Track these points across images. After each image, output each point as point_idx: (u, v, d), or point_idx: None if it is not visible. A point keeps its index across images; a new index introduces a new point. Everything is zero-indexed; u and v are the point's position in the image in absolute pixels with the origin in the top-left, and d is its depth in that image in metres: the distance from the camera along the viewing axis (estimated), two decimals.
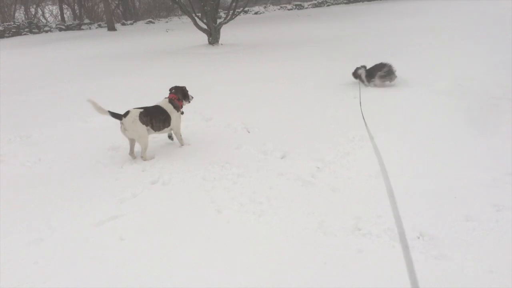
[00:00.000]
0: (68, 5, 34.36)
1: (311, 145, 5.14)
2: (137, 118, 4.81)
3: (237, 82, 9.18)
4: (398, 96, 7.08)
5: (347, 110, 6.48)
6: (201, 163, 4.82)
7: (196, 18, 15.37)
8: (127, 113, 4.84)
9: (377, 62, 7.97)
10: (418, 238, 3.15)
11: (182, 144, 5.42)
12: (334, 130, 5.64)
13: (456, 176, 4.07)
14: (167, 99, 5.22)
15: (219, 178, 4.40)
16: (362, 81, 8.06)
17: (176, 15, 33.23)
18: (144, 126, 4.85)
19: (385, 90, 7.56)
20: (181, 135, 5.40)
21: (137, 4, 36.94)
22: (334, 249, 3.06)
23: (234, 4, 15.78)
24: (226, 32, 16.70)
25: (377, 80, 7.82)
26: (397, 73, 7.79)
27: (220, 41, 15.53)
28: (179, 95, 5.29)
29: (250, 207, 3.76)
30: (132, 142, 5.07)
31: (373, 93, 7.38)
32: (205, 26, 15.47)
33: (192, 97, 5.50)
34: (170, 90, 5.33)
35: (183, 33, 21.53)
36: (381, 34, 15.32)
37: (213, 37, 15.31)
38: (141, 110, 4.89)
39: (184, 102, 5.39)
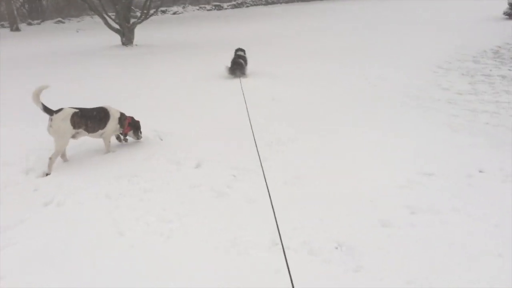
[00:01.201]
0: None
1: (228, 151, 4.87)
2: (68, 117, 4.51)
3: (149, 86, 8.68)
4: (310, 97, 7.07)
5: (263, 112, 6.29)
6: (105, 177, 4.33)
7: (107, 17, 14.48)
8: (59, 110, 4.52)
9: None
10: (336, 248, 2.98)
11: (108, 151, 5.03)
12: (251, 134, 5.40)
13: (372, 178, 4.00)
14: (118, 110, 5.06)
15: (125, 195, 3.95)
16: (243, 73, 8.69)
17: (88, 14, 31.37)
18: (70, 128, 4.53)
19: (297, 89, 7.59)
20: (109, 143, 5.07)
21: (44, 2, 34.40)
22: (248, 271, 2.79)
23: (148, 3, 15.10)
24: (142, 33, 15.94)
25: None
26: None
27: (134, 42, 14.78)
28: (132, 125, 5.17)
29: (158, 227, 3.37)
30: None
31: (289, 93, 7.31)
32: (117, 26, 14.63)
33: (141, 137, 5.31)
34: (130, 116, 5.21)
35: (96, 33, 20.30)
36: (303, 34, 15.54)
37: (127, 37, 14.52)
38: (76, 110, 4.60)
39: (131, 132, 5.18)
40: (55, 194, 3.99)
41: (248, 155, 4.71)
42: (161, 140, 5.44)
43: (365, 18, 20.19)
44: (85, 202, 3.87)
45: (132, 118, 5.22)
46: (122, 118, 5.09)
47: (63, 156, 4.79)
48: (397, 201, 3.52)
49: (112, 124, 4.97)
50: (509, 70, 8.21)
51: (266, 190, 3.86)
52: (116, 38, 15.02)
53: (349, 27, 16.91)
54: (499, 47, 10.53)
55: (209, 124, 5.95)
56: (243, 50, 9.26)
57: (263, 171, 4.18)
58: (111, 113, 4.96)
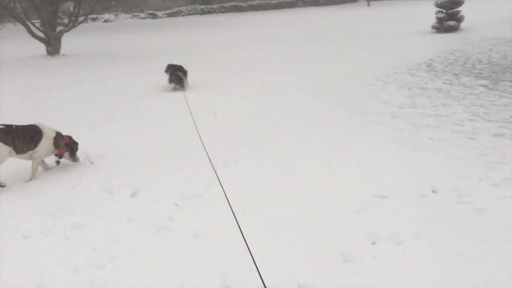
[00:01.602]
0: None
1: (168, 176, 4.41)
2: None
3: (77, 100, 7.97)
4: (254, 111, 6.81)
5: (207, 129, 5.91)
6: (26, 212, 3.73)
7: (31, 25, 13.35)
8: None
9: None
10: None
11: (33, 177, 4.43)
12: (194, 154, 5.00)
13: (327, 203, 3.74)
14: (54, 129, 4.55)
15: (47, 234, 3.39)
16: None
17: (10, 21, 29.18)
18: (2, 144, 4.07)
19: (240, 102, 7.30)
20: (37, 167, 4.50)
21: None
22: None
23: (76, 10, 14.15)
24: (70, 42, 14.89)
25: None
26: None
27: (61, 52, 13.75)
28: (70, 146, 4.66)
29: (87, 274, 2.87)
30: None
31: (231, 107, 7.00)
32: (42, 35, 13.55)
33: (78, 160, 4.80)
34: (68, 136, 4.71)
35: (19, 41, 18.72)
36: (234, 46, 15.32)
37: (53, 47, 13.47)
38: (1, 126, 4.16)
39: (66, 154, 4.66)
40: None
41: (191, 180, 4.30)
42: (92, 164, 4.87)
43: (302, 29, 20.45)
44: None
45: (69, 137, 4.69)
46: (58, 138, 4.54)
47: None
48: (356, 229, 3.29)
49: (46, 145, 4.42)
50: (444, 83, 8.45)
51: (214, 222, 3.48)
52: (41, 47, 13.91)
53: (288, 38, 16.98)
54: (432, 60, 10.91)
55: (146, 144, 5.44)
56: (179, 69, 8.73)
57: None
58: (44, 132, 4.42)
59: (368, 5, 39.58)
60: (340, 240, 3.15)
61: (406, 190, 3.90)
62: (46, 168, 4.68)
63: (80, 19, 14.30)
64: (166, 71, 8.69)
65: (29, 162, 4.47)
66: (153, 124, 6.29)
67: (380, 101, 7.34)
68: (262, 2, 40.44)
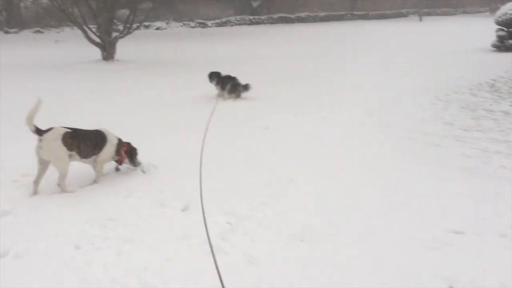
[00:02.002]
0: None
1: (220, 192, 4.22)
2: (59, 137, 4.03)
3: (130, 106, 8.01)
4: (306, 126, 6.54)
5: (258, 144, 5.72)
6: (76, 220, 3.63)
7: (88, 30, 13.76)
8: (49, 129, 4.05)
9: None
10: None
11: (98, 181, 4.45)
12: (246, 170, 4.80)
13: (395, 237, 3.41)
14: (116, 136, 4.57)
15: (99, 246, 3.26)
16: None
17: (68, 26, 30.45)
18: (65, 148, 4.03)
19: (289, 115, 7.06)
20: (102, 170, 4.51)
21: (23, 11, 33.31)
22: None
23: (131, 17, 14.46)
24: (124, 47, 15.24)
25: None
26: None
27: (116, 57, 14.07)
28: (129, 152, 4.65)
29: None
30: (43, 168, 4.15)
31: (283, 121, 6.77)
32: (98, 40, 13.92)
33: (139, 164, 4.75)
34: (127, 142, 4.70)
35: (75, 45, 19.41)
36: (285, 58, 15.16)
37: (107, 52, 13.81)
38: (68, 130, 4.12)
39: (127, 160, 4.65)
40: (13, 243, 3.27)
41: (245, 197, 4.09)
42: (144, 173, 4.77)
43: (351, 43, 20.07)
44: (50, 254, 3.16)
45: (128, 144, 4.68)
46: (119, 144, 4.55)
47: (37, 182, 4.17)
48: (430, 270, 2.95)
49: (109, 150, 4.44)
50: (510, 105, 7.89)
51: (269, 246, 3.25)
52: (97, 52, 14.29)
53: (337, 52, 16.67)
54: (494, 80, 10.29)
55: (197, 154, 5.29)
56: (234, 79, 8.65)
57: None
58: (108, 137, 4.46)
59: (420, 20, 38.56)
60: (412, 282, 2.83)
61: (482, 226, 3.52)
62: (35, 192, 4.36)
63: (134, 26, 14.57)
64: (213, 79, 8.63)
65: (84, 167, 4.46)
66: (200, 133, 6.15)
67: (442, 121, 6.92)
68: (311, 14, 40.26)
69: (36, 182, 4.16)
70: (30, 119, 3.91)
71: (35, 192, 4.15)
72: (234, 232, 3.48)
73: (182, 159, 5.11)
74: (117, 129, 4.81)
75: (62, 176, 4.11)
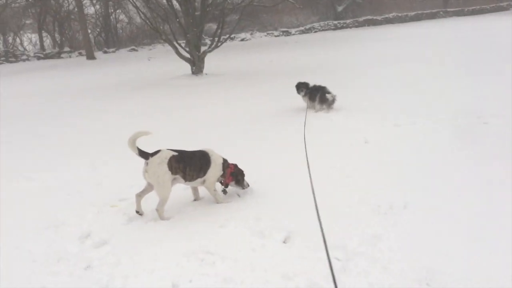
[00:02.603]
0: (48, 33, 33.06)
1: (324, 220, 3.75)
2: (166, 161, 3.92)
3: (221, 121, 7.87)
4: (414, 141, 5.83)
5: (358, 162, 5.18)
6: (172, 252, 3.41)
7: (178, 46, 14.14)
8: (156, 152, 3.96)
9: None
10: None
11: (218, 201, 4.32)
12: (349, 194, 4.30)
13: None
14: (221, 155, 4.37)
15: (197, 284, 2.99)
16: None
17: (159, 43, 32.11)
18: (169, 173, 3.90)
19: (392, 128, 6.41)
20: (215, 190, 4.33)
21: (119, 31, 35.84)
22: None
23: (219, 31, 14.62)
24: (211, 60, 15.49)
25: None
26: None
27: (204, 71, 14.29)
28: (234, 175, 4.38)
29: None
30: (147, 188, 4.09)
31: (384, 134, 6.14)
32: (188, 55, 14.24)
33: (247, 187, 4.48)
34: (234, 164, 4.45)
35: (166, 61, 20.30)
36: (374, 63, 14.30)
37: (197, 66, 14.07)
38: (175, 153, 4.00)
39: (233, 183, 4.42)
40: (109, 278, 3.13)
41: (352, 227, 3.61)
42: (239, 196, 4.49)
43: (448, 42, 18.51)
44: None
45: (235, 166, 4.43)
46: (225, 165, 4.33)
47: (138, 199, 4.10)
48: None
49: (214, 172, 4.24)
50: None
51: None
52: (186, 66, 14.65)
53: (431, 53, 15.42)
54: None
55: (293, 176, 4.90)
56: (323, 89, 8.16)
57: None
58: (212, 158, 4.24)
59: None
60: None
61: None
62: (197, 198, 4.43)
63: (222, 39, 14.71)
64: (301, 90, 8.22)
65: (179, 191, 4.31)
66: (297, 150, 5.75)
67: None
68: (399, 14, 38.36)
69: (140, 195, 4.09)
70: (131, 142, 3.81)
71: (138, 207, 4.08)
72: (346, 273, 3.02)
73: (279, 181, 4.76)
74: (217, 143, 4.56)
75: (162, 201, 3.98)
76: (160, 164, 3.87)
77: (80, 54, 28.89)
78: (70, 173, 5.45)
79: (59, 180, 5.21)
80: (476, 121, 6.56)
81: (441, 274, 2.92)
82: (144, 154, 3.89)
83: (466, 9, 40.12)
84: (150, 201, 4.16)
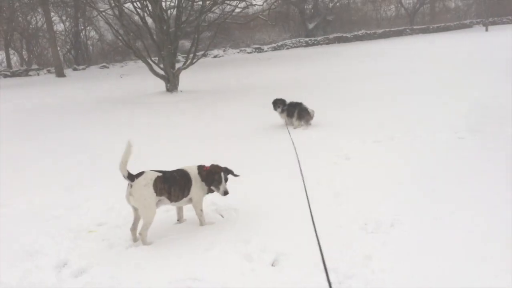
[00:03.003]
0: (15, 50, 32.21)
1: (311, 241, 3.66)
2: (151, 182, 3.75)
3: (199, 139, 7.74)
4: (393, 156, 5.86)
5: (341, 179, 5.15)
6: (157, 281, 3.24)
7: (152, 63, 13.98)
8: (140, 174, 3.78)
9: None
10: None
11: (202, 224, 4.14)
12: (335, 212, 4.25)
13: None
14: (195, 166, 4.11)
15: None
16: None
17: (132, 59, 31.78)
18: (154, 195, 3.74)
19: (371, 144, 6.43)
20: (201, 211, 4.13)
21: (90, 48, 35.31)
22: None
23: (194, 48, 14.55)
24: (185, 77, 15.36)
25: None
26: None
27: (179, 88, 14.15)
28: (210, 174, 4.01)
29: None
30: (137, 213, 3.88)
31: (363, 149, 6.15)
32: (162, 72, 14.08)
33: (224, 194, 4.02)
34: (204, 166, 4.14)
35: (139, 78, 20.04)
36: (348, 79, 14.53)
37: (172, 83, 13.92)
38: (159, 174, 3.84)
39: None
40: None
41: (342, 248, 3.53)
42: (222, 217, 4.36)
43: (414, 58, 19.02)
44: None
45: (212, 165, 4.14)
46: (201, 171, 4.07)
47: (134, 230, 3.91)
48: None
49: (197, 187, 4.04)
50: None
51: None
52: (160, 84, 14.48)
53: (395, 69, 15.81)
54: None
55: (278, 193, 4.82)
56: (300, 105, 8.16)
57: None
58: (191, 175, 4.03)
59: (486, 30, 36.42)
60: None
61: None
62: (180, 219, 4.28)
63: (198, 56, 14.64)
64: (278, 107, 8.19)
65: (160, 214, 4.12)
66: (281, 168, 5.69)
67: None
68: (368, 32, 39.32)
69: (133, 229, 3.91)
70: (124, 164, 3.64)
71: (135, 240, 3.90)
72: None
73: (264, 200, 4.66)
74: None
75: (147, 225, 3.80)
76: (146, 186, 3.71)
77: (49, 71, 28.19)
78: (44, 197, 5.18)
79: (33, 205, 4.94)
80: (452, 136, 6.67)
81: None
82: (130, 177, 3.72)
83: (431, 27, 41.51)
84: (129, 226, 3.99)
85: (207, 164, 4.17)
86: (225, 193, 3.99)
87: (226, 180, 4.05)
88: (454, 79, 12.35)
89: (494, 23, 41.71)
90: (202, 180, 4.03)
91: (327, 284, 3.02)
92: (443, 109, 8.58)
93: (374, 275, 3.13)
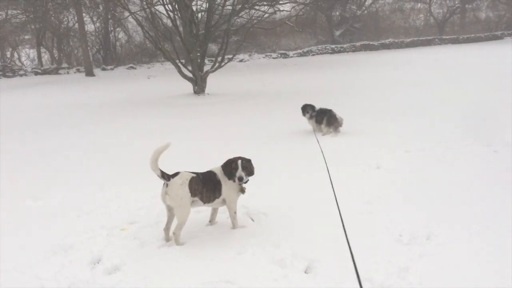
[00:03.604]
0: (46, 49, 33.05)
1: (343, 251, 3.58)
2: (187, 182, 3.78)
3: (227, 142, 7.74)
4: (428, 166, 5.73)
5: (372, 188, 5.07)
6: (189, 282, 3.24)
7: (180, 65, 14.13)
8: (175, 174, 3.81)
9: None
10: None
11: (234, 227, 4.13)
12: (368, 222, 4.17)
13: None
14: (219, 166, 4.10)
15: None
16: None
17: (159, 61, 32.23)
18: (189, 195, 3.76)
19: (404, 154, 6.31)
20: (235, 213, 4.11)
21: (118, 49, 35.95)
22: None
23: (222, 52, 14.65)
24: (211, 80, 15.46)
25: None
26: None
27: (206, 91, 14.25)
28: (226, 167, 4.03)
29: None
30: (171, 213, 3.92)
31: (396, 160, 6.05)
32: (190, 75, 14.21)
33: (244, 181, 3.99)
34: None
35: (166, 80, 20.31)
36: (375, 87, 14.38)
37: (199, 86, 14.04)
38: (194, 175, 3.87)
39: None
40: None
41: (377, 259, 3.46)
42: (253, 221, 4.33)
43: (444, 68, 18.69)
44: None
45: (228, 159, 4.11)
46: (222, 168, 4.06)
47: (167, 230, 3.94)
48: None
49: (227, 187, 4.01)
50: None
51: None
52: (187, 86, 14.62)
53: (425, 78, 15.57)
54: None
55: (306, 199, 4.78)
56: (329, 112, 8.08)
57: None
58: (219, 175, 4.00)
59: None
60: None
61: None
62: (213, 220, 4.29)
63: (226, 59, 14.73)
64: (307, 112, 8.13)
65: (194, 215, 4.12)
66: (312, 174, 5.65)
67: None
68: (395, 40, 38.87)
69: (167, 229, 3.94)
70: (154, 162, 3.66)
71: (167, 239, 3.92)
72: None
73: (293, 206, 4.61)
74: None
75: (181, 225, 3.82)
76: (182, 185, 3.73)
77: (78, 70, 28.85)
78: (77, 193, 5.27)
79: (66, 201, 5.03)
80: (486, 149, 6.50)
81: None
82: (165, 176, 3.74)
83: (461, 37, 40.75)
84: (161, 225, 4.02)
85: None
86: (240, 179, 3.90)
87: (244, 168, 3.95)
88: (485, 90, 12.07)
89: None
90: (225, 175, 4.01)
91: None
92: (473, 121, 8.38)
93: (411, 287, 3.05)
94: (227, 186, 4.04)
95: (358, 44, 37.86)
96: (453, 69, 18.80)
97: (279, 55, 35.45)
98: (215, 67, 14.47)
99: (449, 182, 5.17)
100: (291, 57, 35.34)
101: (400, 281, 3.14)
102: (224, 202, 4.07)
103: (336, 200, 4.21)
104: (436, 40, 40.04)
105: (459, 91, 12.26)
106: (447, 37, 40.84)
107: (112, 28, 34.23)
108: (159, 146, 3.69)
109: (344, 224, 3.82)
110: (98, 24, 33.69)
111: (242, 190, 4.12)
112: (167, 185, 3.75)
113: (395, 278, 3.18)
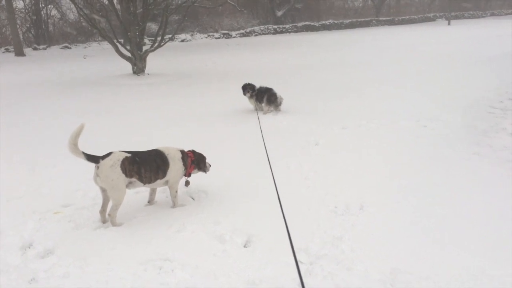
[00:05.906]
0: None
1: (281, 223, 3.68)
2: (118, 163, 3.63)
3: (166, 122, 7.61)
4: (365, 142, 5.98)
5: (312, 164, 5.21)
6: (127, 261, 3.19)
7: (118, 44, 13.57)
8: (107, 155, 3.67)
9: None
10: None
11: (175, 206, 4.12)
12: (305, 195, 4.31)
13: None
14: (176, 148, 4.09)
15: None
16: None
17: (95, 41, 30.77)
18: (123, 176, 3.61)
19: (342, 130, 6.52)
20: (176, 192, 4.10)
21: (51, 28, 33.87)
22: None
23: (162, 31, 14.23)
24: (152, 60, 15.01)
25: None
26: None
27: (146, 71, 13.84)
28: (196, 162, 4.21)
29: None
30: (106, 195, 3.79)
31: (334, 136, 6.25)
32: (129, 54, 13.72)
33: (209, 169, 4.39)
34: (191, 150, 4.27)
35: (104, 60, 19.48)
36: (316, 67, 14.67)
37: (138, 66, 13.60)
38: (128, 154, 3.72)
39: (195, 170, 4.26)
40: None
41: (312, 229, 3.59)
42: (193, 199, 4.33)
43: (381, 49, 19.40)
44: None
45: (193, 152, 4.24)
46: (184, 157, 4.08)
47: (103, 212, 3.82)
48: None
49: (176, 169, 4.00)
50: None
51: None
52: (126, 66, 14.12)
53: (361, 59, 16.13)
54: None
55: (245, 176, 4.84)
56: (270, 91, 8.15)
57: None
58: (169, 157, 3.96)
59: (449, 24, 37.55)
60: None
61: None
62: (152, 201, 4.22)
63: (166, 38, 14.33)
64: (247, 91, 8.16)
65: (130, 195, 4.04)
66: (252, 152, 5.70)
67: (506, 133, 6.29)
68: (335, 21, 39.72)
69: (103, 211, 3.82)
70: (74, 147, 3.50)
71: (104, 221, 3.82)
72: (312, 276, 2.98)
73: (233, 184, 4.66)
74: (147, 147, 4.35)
75: (116, 206, 3.72)
76: (113, 167, 3.60)
77: (7, 50, 26.93)
78: (7, 176, 4.98)
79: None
80: (415, 124, 6.88)
81: (405, 273, 2.97)
82: (93, 158, 3.60)
83: (396, 19, 42.40)
84: (97, 207, 3.91)
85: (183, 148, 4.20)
86: (208, 170, 4.37)
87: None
88: (417, 71, 12.69)
89: (456, 17, 43.09)
90: (195, 163, 4.15)
91: (299, 263, 3.06)
92: (407, 99, 8.82)
93: (344, 255, 3.20)
94: (176, 168, 3.99)
95: (299, 24, 38.31)
96: (391, 49, 19.54)
97: (222, 35, 35.06)
98: (155, 46, 14.05)
99: (382, 157, 5.43)
100: (234, 37, 35.09)
101: (334, 249, 3.28)
102: (166, 183, 4.02)
103: (273, 175, 4.30)
104: (374, 21, 41.39)
105: (397, 72, 12.77)
106: (384, 18, 42.35)
107: (43, 5, 32.14)
108: (74, 130, 3.51)
109: (282, 199, 3.92)
110: (28, 1, 31.50)
111: (187, 183, 4.22)
112: (98, 167, 3.62)
113: (329, 247, 3.32)
